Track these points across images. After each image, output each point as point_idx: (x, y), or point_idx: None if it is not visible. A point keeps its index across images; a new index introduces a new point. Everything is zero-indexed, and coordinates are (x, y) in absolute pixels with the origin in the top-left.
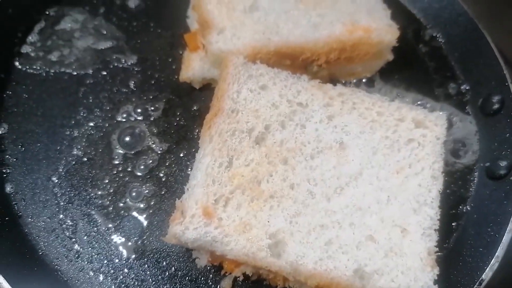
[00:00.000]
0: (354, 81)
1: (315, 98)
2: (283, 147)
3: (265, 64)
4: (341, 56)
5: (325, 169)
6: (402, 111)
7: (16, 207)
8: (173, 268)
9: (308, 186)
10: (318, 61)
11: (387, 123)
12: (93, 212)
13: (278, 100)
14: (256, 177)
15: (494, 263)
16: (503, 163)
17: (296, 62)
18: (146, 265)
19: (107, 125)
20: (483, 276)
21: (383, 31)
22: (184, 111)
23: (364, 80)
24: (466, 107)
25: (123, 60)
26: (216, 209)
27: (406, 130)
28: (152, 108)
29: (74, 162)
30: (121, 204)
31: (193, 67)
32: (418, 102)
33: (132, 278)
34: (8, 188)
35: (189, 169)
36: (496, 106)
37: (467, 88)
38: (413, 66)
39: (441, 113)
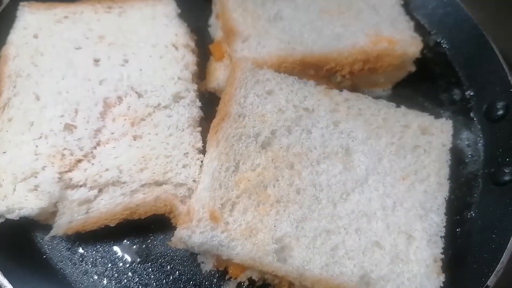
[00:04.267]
0: None
1: (321, 103)
2: (289, 152)
3: (272, 71)
4: (364, 67)
5: (331, 174)
6: (408, 117)
7: None
8: (177, 272)
9: (314, 191)
10: (342, 71)
11: (393, 129)
12: None
13: (285, 105)
14: (263, 182)
15: (499, 269)
16: (508, 169)
17: (320, 72)
18: (150, 269)
19: None
20: (488, 282)
21: (406, 42)
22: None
23: None
24: (471, 113)
25: None
26: (223, 213)
27: (412, 136)
28: None
29: None
30: None
31: (217, 77)
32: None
33: (136, 282)
34: None
35: None
36: (500, 112)
37: (471, 94)
38: (417, 72)
39: (446, 119)
